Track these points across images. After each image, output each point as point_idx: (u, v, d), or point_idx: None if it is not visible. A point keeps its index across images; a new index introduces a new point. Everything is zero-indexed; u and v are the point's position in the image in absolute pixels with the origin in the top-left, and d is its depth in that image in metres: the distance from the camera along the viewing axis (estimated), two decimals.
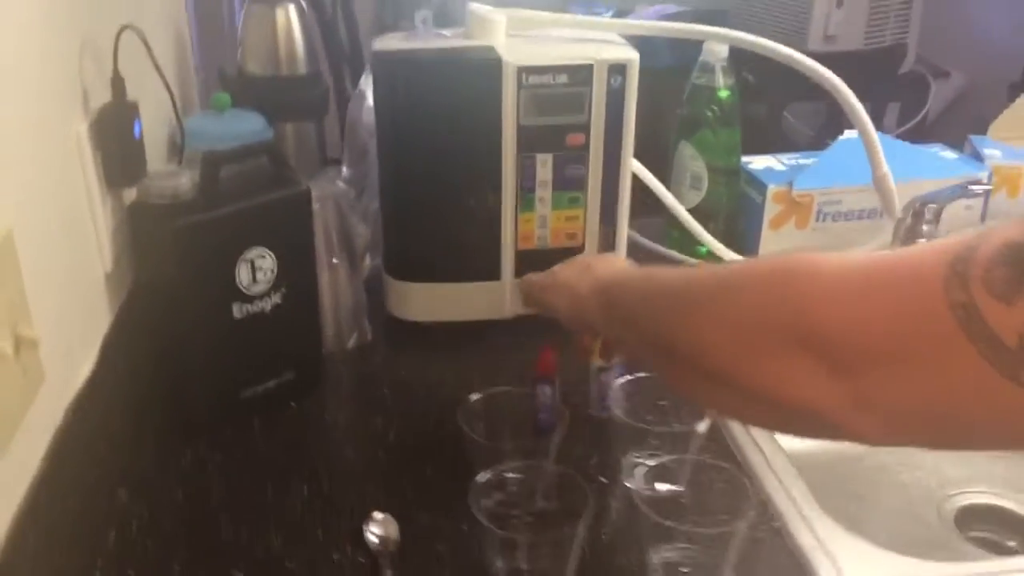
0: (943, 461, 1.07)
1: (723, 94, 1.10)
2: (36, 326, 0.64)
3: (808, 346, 0.49)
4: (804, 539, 0.76)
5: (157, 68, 0.84)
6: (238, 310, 0.85)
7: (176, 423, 0.87)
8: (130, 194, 0.85)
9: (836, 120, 2.04)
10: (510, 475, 0.74)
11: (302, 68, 1.12)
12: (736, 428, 0.88)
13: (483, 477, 0.71)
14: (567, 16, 0.97)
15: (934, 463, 1.07)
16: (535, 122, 0.93)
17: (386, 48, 0.94)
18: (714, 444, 0.83)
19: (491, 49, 0.94)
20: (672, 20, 2.35)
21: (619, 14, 2.25)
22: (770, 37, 0.98)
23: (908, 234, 1.10)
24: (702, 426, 0.79)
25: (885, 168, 0.96)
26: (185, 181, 0.81)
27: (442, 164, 0.96)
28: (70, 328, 0.76)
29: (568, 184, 0.97)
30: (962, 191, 1.06)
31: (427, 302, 1.02)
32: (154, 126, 0.94)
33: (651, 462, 0.78)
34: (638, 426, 0.80)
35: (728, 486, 0.74)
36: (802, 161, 1.20)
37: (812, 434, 0.59)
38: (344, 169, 1.06)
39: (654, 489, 0.74)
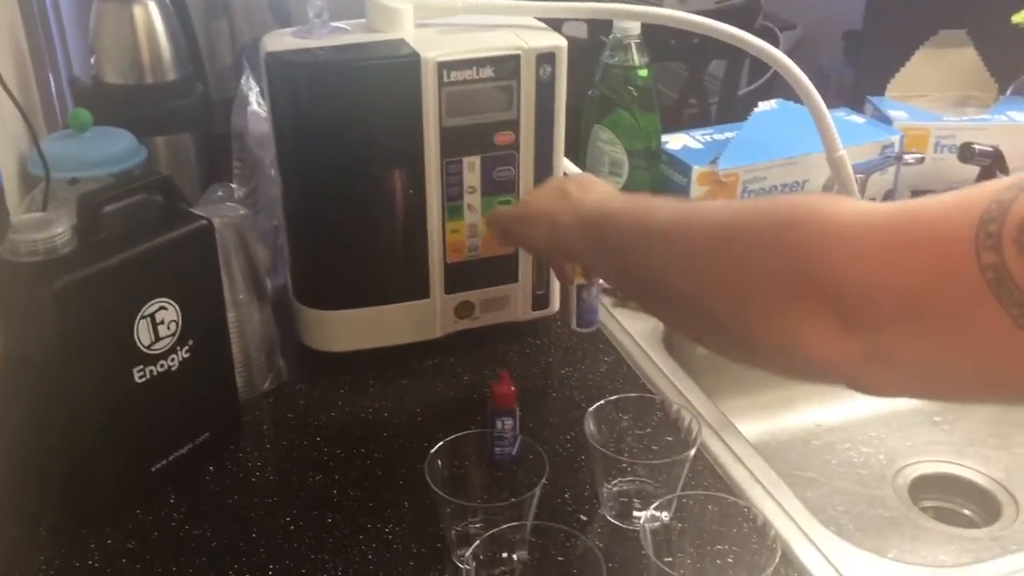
0: (889, 435, 1.06)
1: (642, 73, 1.03)
2: None
3: (823, 300, 0.47)
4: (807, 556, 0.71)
5: (3, 86, 0.69)
6: (140, 374, 0.72)
7: (77, 513, 0.73)
8: None
9: (698, 81, 2.03)
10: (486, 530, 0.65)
11: (170, 73, 0.97)
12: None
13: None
14: (480, 0, 0.87)
15: (879, 438, 1.06)
16: (459, 122, 0.83)
17: (280, 48, 0.81)
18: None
19: (402, 43, 0.83)
20: None
21: None
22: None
23: None
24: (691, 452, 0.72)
25: (841, 150, 0.91)
26: (62, 230, 0.66)
27: (356, 176, 0.85)
28: None
29: (498, 188, 0.88)
30: (894, 160, 1.03)
31: (348, 330, 0.91)
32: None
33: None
34: (618, 457, 0.74)
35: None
36: (717, 136, 1.14)
37: (819, 382, 0.59)
38: (235, 187, 0.93)
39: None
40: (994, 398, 0.60)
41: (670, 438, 0.76)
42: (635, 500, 0.74)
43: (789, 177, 1.10)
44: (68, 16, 1.24)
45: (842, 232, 0.48)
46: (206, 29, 1.28)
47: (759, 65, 2.15)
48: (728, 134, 1.14)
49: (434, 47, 0.81)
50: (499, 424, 0.76)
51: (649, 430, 0.78)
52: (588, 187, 0.76)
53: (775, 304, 0.50)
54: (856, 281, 0.46)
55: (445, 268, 0.89)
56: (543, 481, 0.68)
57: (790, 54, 0.94)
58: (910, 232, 0.46)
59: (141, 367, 0.72)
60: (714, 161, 1.08)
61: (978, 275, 0.42)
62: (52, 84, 1.12)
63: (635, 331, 0.97)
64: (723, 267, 0.54)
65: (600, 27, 1.19)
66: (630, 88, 1.04)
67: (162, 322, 0.72)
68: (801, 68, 0.93)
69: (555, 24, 0.92)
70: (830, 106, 1.00)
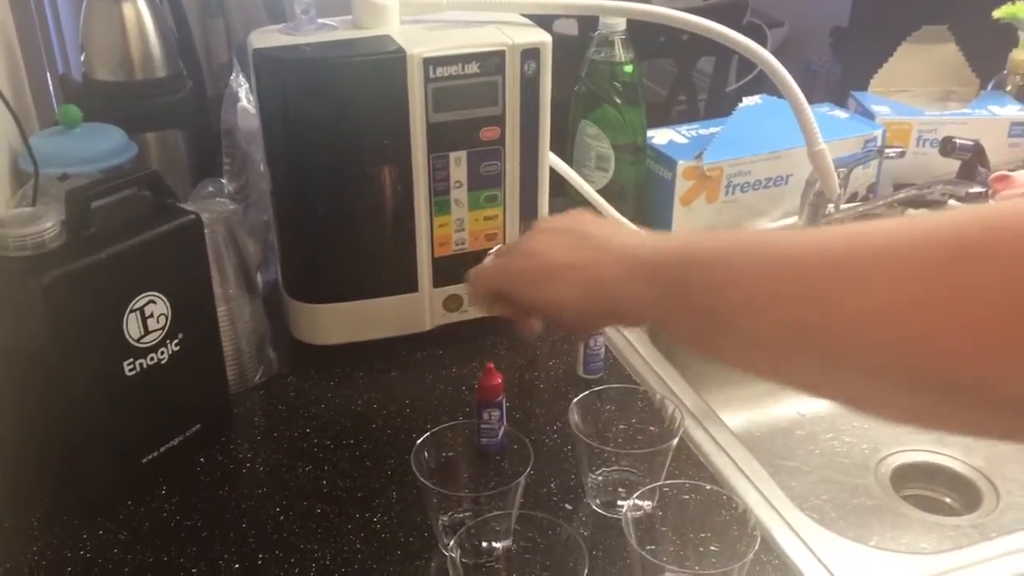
0: (872, 424, 1.07)
1: (627, 69, 1.04)
2: None
3: None
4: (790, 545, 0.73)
5: None
6: (130, 367, 0.73)
7: (69, 504, 0.74)
8: None
9: (687, 77, 2.04)
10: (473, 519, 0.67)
11: (160, 70, 0.98)
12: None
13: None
14: None
15: (863, 427, 1.08)
16: (445, 118, 0.84)
17: (268, 45, 0.82)
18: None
19: (388, 39, 0.84)
20: None
21: None
22: None
23: (817, 199, 1.09)
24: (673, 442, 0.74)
25: (821, 144, 0.92)
26: (51, 225, 0.67)
27: (344, 172, 0.85)
28: None
29: (485, 182, 0.89)
30: (875, 154, 1.05)
31: (337, 323, 0.92)
32: None
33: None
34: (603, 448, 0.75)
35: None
36: (702, 131, 1.16)
37: None
38: (225, 182, 0.94)
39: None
40: None
41: (654, 428, 0.77)
42: (619, 489, 0.75)
43: (773, 171, 1.12)
44: (66, 15, 1.25)
45: None
46: (202, 26, 1.30)
47: (748, 61, 2.17)
48: (713, 129, 1.16)
49: (420, 43, 0.82)
50: (486, 415, 0.78)
51: (633, 420, 0.79)
52: (606, 225, 0.62)
53: None
54: None
55: (433, 262, 0.91)
56: (528, 471, 0.69)
57: (778, 51, 0.95)
58: None
59: (131, 360, 0.73)
60: (699, 156, 1.09)
61: None
62: (50, 81, 1.13)
63: None
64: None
65: (590, 24, 1.20)
66: (616, 83, 1.06)
67: (151, 315, 0.73)
68: (789, 65, 0.95)
69: (546, 21, 0.93)
70: (817, 101, 1.02)
